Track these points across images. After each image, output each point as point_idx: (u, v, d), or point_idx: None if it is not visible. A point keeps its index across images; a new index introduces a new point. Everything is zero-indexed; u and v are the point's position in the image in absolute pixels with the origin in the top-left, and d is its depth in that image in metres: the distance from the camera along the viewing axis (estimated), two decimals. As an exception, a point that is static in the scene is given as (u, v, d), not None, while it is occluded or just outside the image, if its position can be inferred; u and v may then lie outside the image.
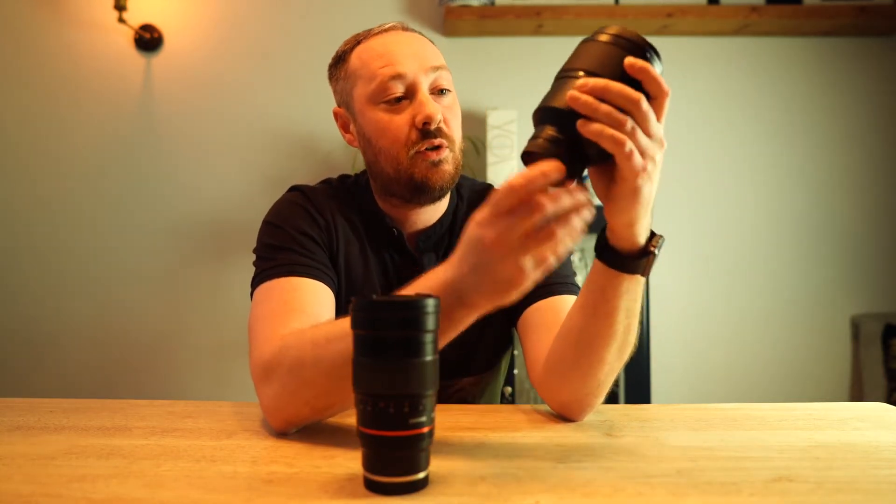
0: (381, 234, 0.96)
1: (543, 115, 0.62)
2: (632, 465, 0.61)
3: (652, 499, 0.53)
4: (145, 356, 2.24)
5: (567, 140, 0.58)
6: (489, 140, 2.08)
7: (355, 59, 0.92)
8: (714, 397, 2.18)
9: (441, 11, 2.15)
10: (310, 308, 0.82)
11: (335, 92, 0.98)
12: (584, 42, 0.65)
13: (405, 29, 0.94)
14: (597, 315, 0.71)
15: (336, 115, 0.99)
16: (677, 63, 2.25)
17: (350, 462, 0.62)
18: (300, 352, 0.71)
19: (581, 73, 0.60)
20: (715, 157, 2.26)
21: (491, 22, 2.10)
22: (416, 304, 0.53)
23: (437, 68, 0.90)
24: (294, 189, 0.99)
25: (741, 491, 0.54)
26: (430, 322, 0.54)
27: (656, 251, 0.68)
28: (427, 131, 0.87)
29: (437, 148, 0.88)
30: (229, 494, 0.54)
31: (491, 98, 2.21)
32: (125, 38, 2.21)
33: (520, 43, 2.24)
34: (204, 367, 2.24)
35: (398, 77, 0.88)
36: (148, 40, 2.20)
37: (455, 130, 0.91)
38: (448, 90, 0.91)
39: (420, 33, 0.95)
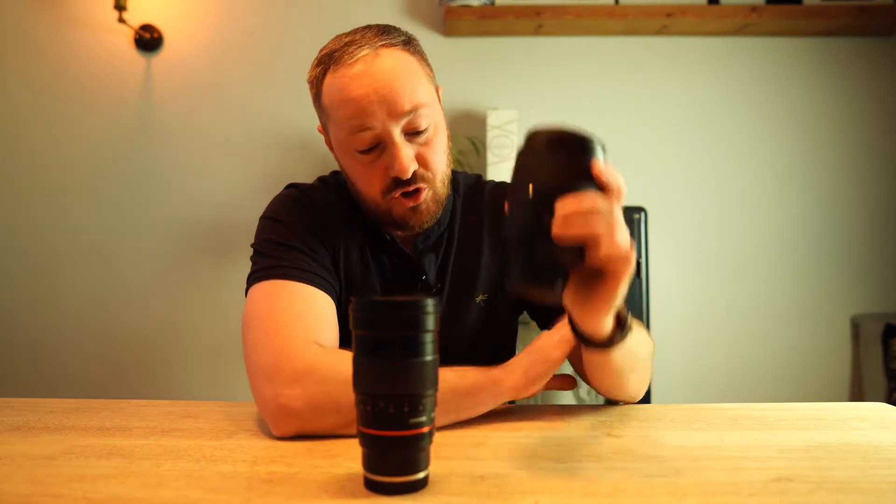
0: (376, 236, 0.94)
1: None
2: (632, 465, 0.61)
3: (652, 499, 0.53)
4: (145, 356, 2.24)
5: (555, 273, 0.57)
6: (489, 140, 2.08)
7: (325, 95, 0.84)
8: (714, 397, 2.18)
9: (441, 11, 2.15)
10: (328, 322, 0.82)
11: (318, 114, 0.91)
12: (522, 154, 0.60)
13: (379, 48, 0.81)
14: (604, 375, 0.77)
15: (320, 131, 0.94)
16: (677, 63, 2.25)
17: (350, 462, 0.62)
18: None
19: (530, 192, 0.56)
20: (714, 158, 2.26)
21: (491, 22, 2.10)
22: (415, 304, 0.53)
23: (410, 111, 0.81)
24: (292, 186, 0.97)
25: (741, 491, 0.54)
26: (430, 322, 0.54)
27: (627, 316, 0.69)
28: (401, 181, 0.84)
29: (415, 193, 0.85)
30: (229, 494, 0.54)
31: (491, 98, 2.21)
32: (125, 38, 2.21)
33: (520, 43, 2.24)
34: (204, 367, 2.24)
35: (366, 129, 0.81)
36: (148, 40, 2.20)
37: (436, 165, 0.86)
38: (424, 129, 0.83)
39: (397, 42, 0.83)
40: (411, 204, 0.85)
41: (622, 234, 0.57)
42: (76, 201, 2.23)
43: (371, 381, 0.53)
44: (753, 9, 2.07)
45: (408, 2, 2.23)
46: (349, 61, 0.81)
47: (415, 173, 0.84)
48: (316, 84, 0.86)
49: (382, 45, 0.82)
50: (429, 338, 0.54)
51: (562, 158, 0.57)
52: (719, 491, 0.54)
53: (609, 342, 0.68)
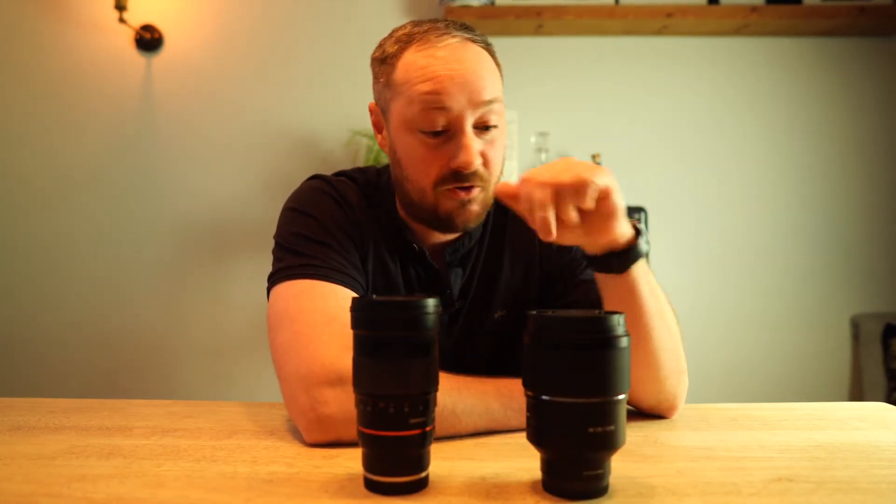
0: (404, 245, 0.90)
1: None
2: (632, 465, 0.61)
3: (652, 499, 0.53)
4: (146, 356, 2.24)
5: None
6: (489, 140, 2.08)
7: (401, 69, 0.81)
8: (714, 397, 2.18)
9: (441, 11, 2.15)
10: None
11: (374, 88, 0.88)
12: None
13: (466, 40, 0.81)
14: (631, 323, 0.71)
15: (371, 110, 0.90)
16: (677, 63, 2.25)
17: (350, 462, 0.62)
18: None
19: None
20: (714, 158, 2.26)
21: (491, 22, 2.10)
22: (416, 304, 0.53)
23: (490, 102, 0.80)
24: (318, 177, 0.91)
25: (741, 491, 0.54)
26: (430, 322, 0.54)
27: (642, 227, 0.71)
28: (461, 174, 0.81)
29: (469, 188, 0.82)
30: (229, 494, 0.54)
31: (491, 98, 2.21)
32: (125, 38, 2.21)
33: (520, 43, 2.24)
34: (204, 366, 2.24)
35: (442, 110, 0.79)
36: (148, 40, 2.20)
37: (494, 167, 0.84)
38: (494, 126, 0.82)
39: (479, 41, 0.83)
40: (464, 196, 0.82)
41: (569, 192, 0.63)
42: (76, 201, 2.23)
43: (371, 381, 0.53)
44: (753, 9, 2.07)
45: (408, 2, 2.23)
46: (438, 43, 0.80)
47: (475, 171, 0.81)
48: (389, 59, 0.83)
49: (469, 39, 0.82)
50: (429, 338, 0.54)
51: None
52: (719, 491, 0.54)
53: (635, 242, 0.70)
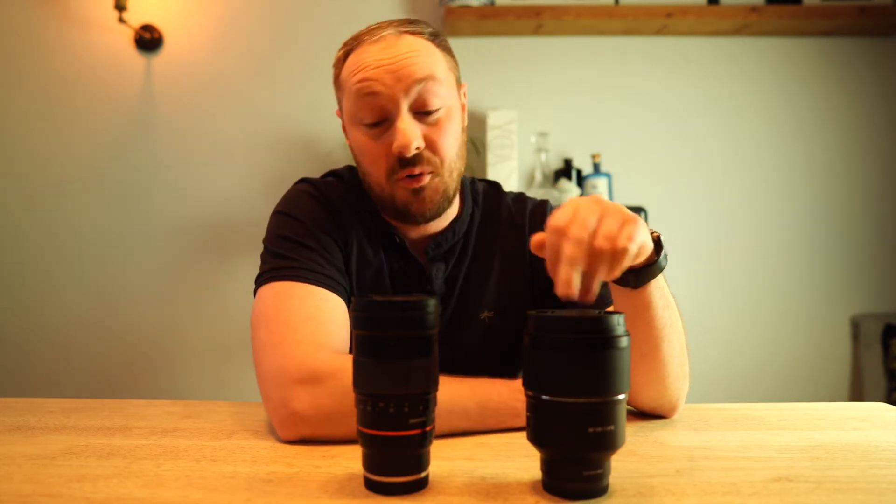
0: (387, 238, 0.91)
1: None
2: (632, 465, 0.61)
3: (652, 499, 0.53)
4: (146, 356, 2.24)
5: None
6: (489, 140, 2.08)
7: (345, 70, 0.85)
8: (714, 397, 2.18)
9: (441, 11, 2.15)
10: (340, 325, 0.79)
11: (336, 95, 0.92)
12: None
13: (402, 33, 0.83)
14: (638, 329, 0.71)
15: (339, 115, 0.93)
16: (677, 63, 2.25)
17: (350, 462, 0.62)
18: None
19: None
20: (714, 158, 2.26)
21: (491, 22, 2.10)
22: (416, 304, 0.53)
23: (421, 80, 0.81)
24: (305, 181, 0.94)
25: (741, 491, 0.54)
26: (430, 322, 0.54)
27: (663, 240, 0.69)
28: (405, 160, 0.82)
29: (418, 176, 0.82)
30: (229, 494, 0.54)
31: (491, 98, 2.21)
32: (125, 38, 2.21)
33: (520, 43, 2.24)
34: (204, 367, 2.24)
35: (372, 96, 0.81)
36: (148, 40, 2.20)
37: (444, 150, 0.84)
38: (435, 109, 0.82)
39: (423, 33, 0.85)
40: (415, 185, 0.82)
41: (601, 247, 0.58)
42: (76, 201, 2.23)
43: (371, 381, 0.53)
44: (753, 9, 2.07)
45: (408, 2, 2.23)
46: (370, 39, 0.83)
47: (419, 155, 0.82)
48: (338, 64, 0.88)
49: (407, 31, 0.84)
50: (429, 338, 0.54)
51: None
52: (719, 491, 0.54)
53: (649, 269, 0.68)
